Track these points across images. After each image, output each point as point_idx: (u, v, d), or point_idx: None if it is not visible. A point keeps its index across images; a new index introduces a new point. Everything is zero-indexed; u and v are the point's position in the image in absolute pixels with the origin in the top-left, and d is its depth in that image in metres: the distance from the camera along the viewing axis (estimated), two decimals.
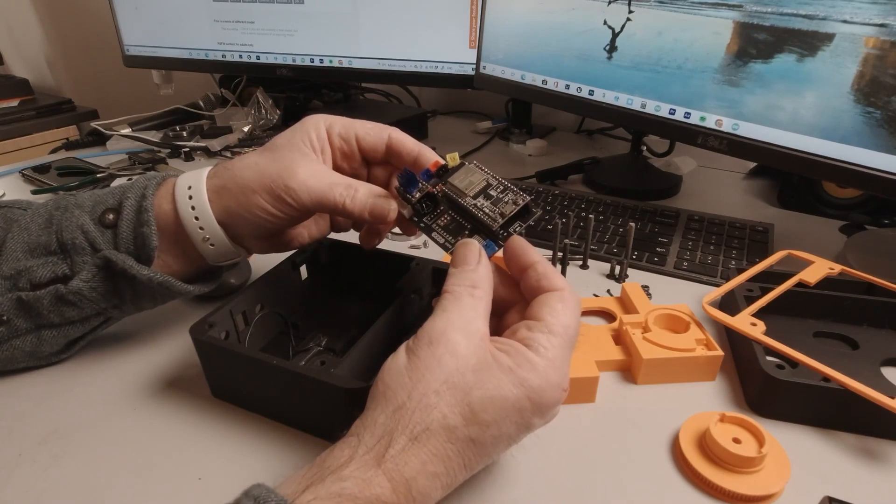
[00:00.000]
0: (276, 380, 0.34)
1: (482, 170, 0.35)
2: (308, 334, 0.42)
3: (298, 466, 0.25)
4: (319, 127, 0.37)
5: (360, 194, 0.35)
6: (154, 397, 0.38)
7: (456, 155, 0.35)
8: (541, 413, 0.27)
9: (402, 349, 0.28)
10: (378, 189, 0.36)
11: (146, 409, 0.37)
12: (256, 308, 0.41)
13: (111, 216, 0.36)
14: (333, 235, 0.47)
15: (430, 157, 0.38)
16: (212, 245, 0.37)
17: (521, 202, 0.32)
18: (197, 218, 0.36)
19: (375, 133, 0.38)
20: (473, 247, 0.31)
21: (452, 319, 0.27)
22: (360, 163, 0.40)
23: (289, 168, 0.35)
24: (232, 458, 0.34)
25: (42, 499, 0.31)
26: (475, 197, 0.34)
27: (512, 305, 0.32)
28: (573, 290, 0.30)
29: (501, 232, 0.32)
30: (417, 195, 0.34)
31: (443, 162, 0.35)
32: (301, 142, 0.36)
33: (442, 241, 0.34)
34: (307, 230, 0.42)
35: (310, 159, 0.36)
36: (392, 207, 0.35)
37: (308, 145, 0.37)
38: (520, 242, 0.32)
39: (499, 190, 0.34)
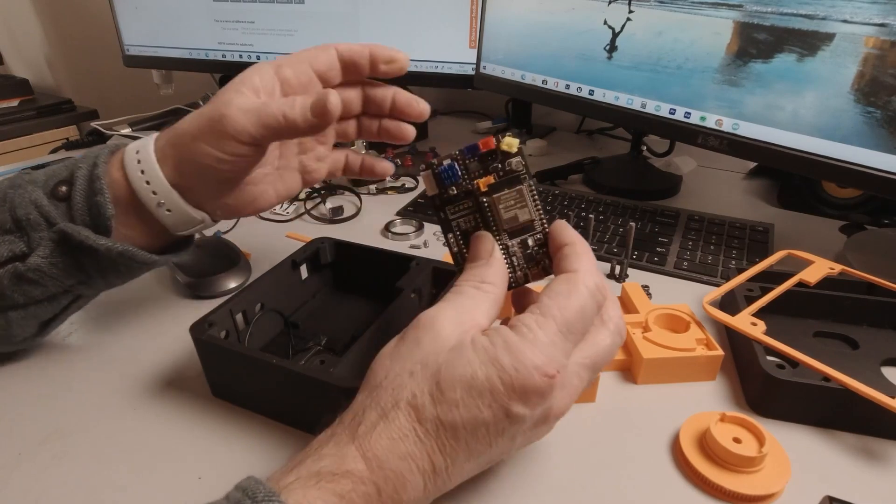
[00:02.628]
0: (275, 379, 0.34)
1: (534, 201, 0.31)
2: (308, 334, 0.42)
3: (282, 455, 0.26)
4: (263, 70, 0.35)
5: (300, 99, 0.32)
6: (154, 397, 0.38)
7: (515, 142, 0.30)
8: (520, 398, 0.24)
9: (395, 337, 0.28)
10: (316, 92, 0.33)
11: (146, 408, 0.38)
12: (256, 307, 0.41)
13: (64, 188, 0.35)
14: (335, 235, 0.47)
15: (381, 51, 0.36)
16: (168, 210, 0.35)
17: (549, 271, 0.31)
18: (148, 182, 0.34)
19: (325, 54, 0.37)
20: (487, 241, 0.30)
21: (445, 308, 0.27)
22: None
23: (225, 102, 0.33)
24: (232, 457, 0.34)
25: (42, 499, 0.31)
26: (512, 235, 0.31)
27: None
28: (591, 275, 0.28)
29: (513, 284, 0.31)
30: (454, 191, 0.30)
31: (493, 144, 0.30)
32: (241, 83, 0.34)
33: (456, 249, 0.31)
34: (272, 187, 0.39)
35: (245, 97, 0.34)
36: (332, 97, 0.31)
37: (249, 87, 0.34)
38: (558, 224, 0.31)
39: (537, 240, 0.31)
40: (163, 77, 1.06)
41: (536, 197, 0.31)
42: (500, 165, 0.30)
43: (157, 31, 0.96)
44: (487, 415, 0.24)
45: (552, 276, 0.30)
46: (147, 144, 0.35)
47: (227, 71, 1.02)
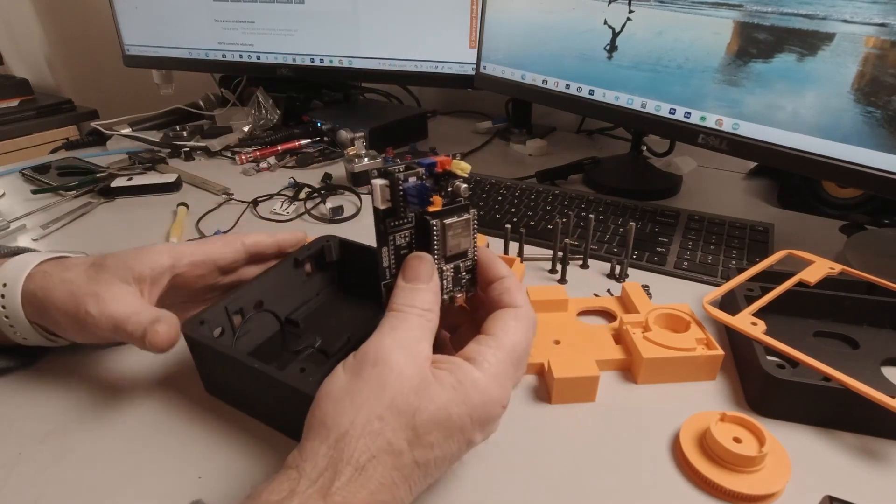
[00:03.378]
0: (258, 382, 0.34)
1: (472, 231, 0.31)
2: (307, 333, 0.42)
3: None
4: (159, 259, 0.36)
5: (162, 326, 0.33)
6: (154, 396, 0.38)
7: (467, 167, 0.30)
8: (481, 429, 0.27)
9: (339, 370, 0.26)
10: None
11: (146, 407, 0.38)
12: (253, 305, 0.41)
13: None
14: (342, 234, 0.46)
15: (288, 241, 0.42)
16: (24, 338, 0.37)
17: (472, 290, 0.32)
18: (7, 317, 0.36)
19: (231, 250, 0.40)
20: (427, 262, 0.29)
21: (398, 339, 0.26)
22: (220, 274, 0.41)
23: (97, 294, 0.34)
24: (232, 457, 0.34)
25: (42, 498, 0.31)
26: (448, 259, 0.30)
27: (461, 325, 0.33)
28: (532, 311, 0.30)
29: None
30: (413, 210, 0.30)
31: (450, 165, 0.29)
32: (128, 273, 0.35)
33: (386, 264, 0.30)
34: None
35: (125, 289, 0.35)
36: (160, 334, 0.33)
37: (134, 278, 0.35)
38: (489, 255, 0.31)
39: (467, 266, 0.31)
40: (163, 77, 1.05)
41: (475, 226, 0.31)
42: (449, 188, 0.30)
43: (157, 31, 0.96)
44: (455, 449, 0.26)
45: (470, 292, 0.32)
46: (16, 282, 0.35)
47: (227, 71, 1.02)
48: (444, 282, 0.31)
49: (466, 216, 0.30)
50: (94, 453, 0.34)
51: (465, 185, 0.29)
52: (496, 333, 0.28)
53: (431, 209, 0.29)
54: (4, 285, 0.36)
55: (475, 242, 0.31)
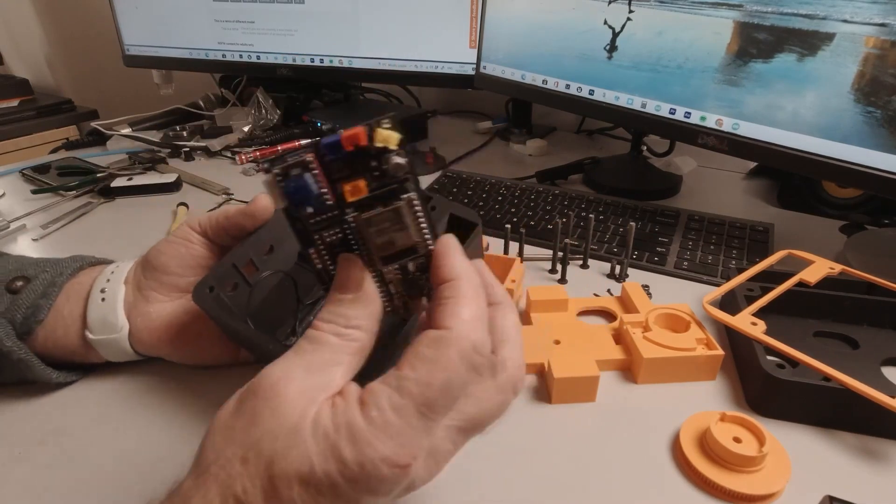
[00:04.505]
0: (265, 354, 0.32)
1: (416, 219, 0.23)
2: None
3: None
4: (186, 224, 0.39)
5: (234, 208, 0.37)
6: (155, 395, 0.38)
7: (394, 136, 0.21)
8: (369, 491, 0.21)
9: (233, 396, 0.23)
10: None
11: (146, 405, 0.37)
12: (266, 249, 0.38)
13: (19, 283, 0.37)
14: None
15: (257, 208, 0.37)
16: (103, 300, 0.37)
17: (420, 307, 0.25)
18: (104, 299, 0.37)
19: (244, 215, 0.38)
20: (355, 268, 0.24)
21: (292, 367, 0.22)
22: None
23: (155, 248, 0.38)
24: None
25: (42, 498, 0.31)
26: (385, 260, 0.24)
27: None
28: (466, 330, 0.22)
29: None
30: (308, 210, 0.23)
31: (364, 139, 0.21)
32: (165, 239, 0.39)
33: (321, 265, 0.25)
34: (217, 345, 0.39)
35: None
36: (260, 198, 0.36)
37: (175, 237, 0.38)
38: (443, 248, 0.24)
39: (419, 264, 0.25)
40: (163, 77, 1.05)
41: (420, 213, 0.23)
42: (375, 168, 0.22)
43: (157, 31, 0.96)
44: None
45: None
46: (121, 273, 0.38)
47: (227, 71, 1.02)
48: (390, 286, 0.25)
49: (398, 203, 0.23)
50: (93, 453, 0.34)
51: (397, 160, 0.22)
52: (402, 368, 0.22)
53: (352, 198, 0.22)
54: (112, 272, 0.38)
55: (425, 234, 0.24)
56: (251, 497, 0.20)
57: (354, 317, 0.23)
